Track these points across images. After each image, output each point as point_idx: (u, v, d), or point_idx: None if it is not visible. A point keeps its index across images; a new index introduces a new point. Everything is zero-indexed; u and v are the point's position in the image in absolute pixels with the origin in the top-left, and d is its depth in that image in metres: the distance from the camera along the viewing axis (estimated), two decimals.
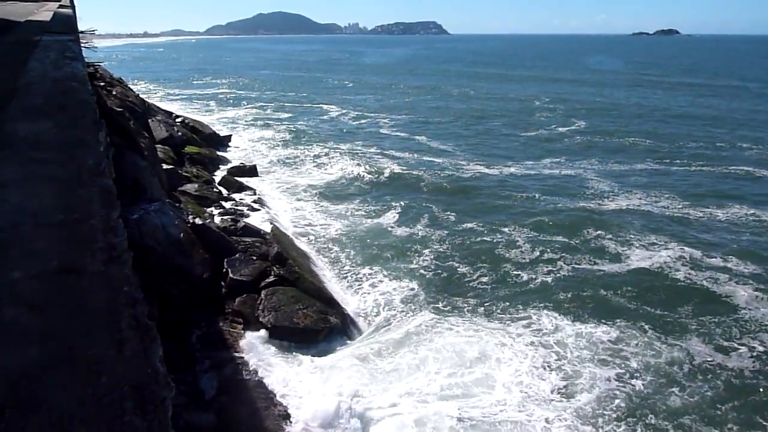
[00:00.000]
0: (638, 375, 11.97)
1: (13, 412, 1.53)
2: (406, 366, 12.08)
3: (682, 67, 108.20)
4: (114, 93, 23.46)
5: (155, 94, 60.45)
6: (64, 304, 2.03)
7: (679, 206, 22.97)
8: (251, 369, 11.51)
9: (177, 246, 13.87)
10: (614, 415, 10.79)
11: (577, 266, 17.20)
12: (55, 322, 1.93)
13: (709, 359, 12.58)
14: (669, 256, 17.89)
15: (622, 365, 12.27)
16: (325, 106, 53.21)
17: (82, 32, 19.05)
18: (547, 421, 10.54)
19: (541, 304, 14.83)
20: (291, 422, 10.06)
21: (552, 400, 11.19)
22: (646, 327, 13.81)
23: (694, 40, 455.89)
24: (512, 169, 29.36)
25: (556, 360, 12.43)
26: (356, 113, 49.03)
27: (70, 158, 3.50)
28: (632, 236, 19.43)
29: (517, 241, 19.07)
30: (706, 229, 20.34)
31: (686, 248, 18.40)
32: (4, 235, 2.50)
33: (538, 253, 18.02)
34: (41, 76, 6.13)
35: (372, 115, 47.98)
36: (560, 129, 40.51)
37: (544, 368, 12.14)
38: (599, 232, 19.80)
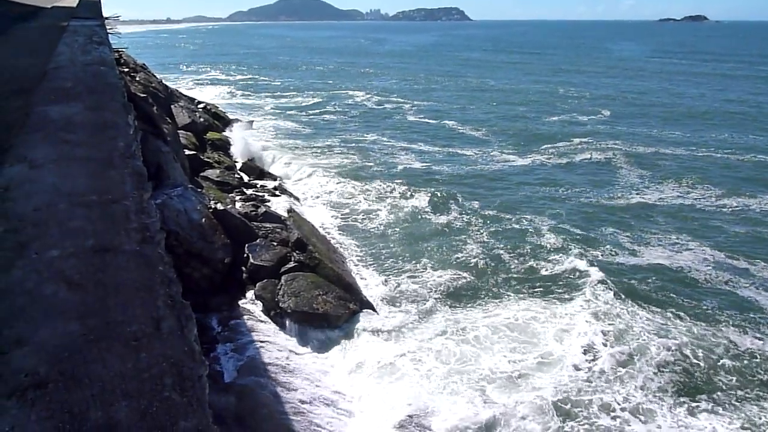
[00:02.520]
0: (690, 355, 12.15)
1: (57, 385, 1.56)
2: (428, 351, 12.12)
3: (711, 54, 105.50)
4: (137, 79, 23.68)
5: (178, 79, 60.89)
6: (102, 282, 2.06)
7: (712, 197, 22.60)
8: (272, 353, 11.64)
9: (199, 231, 14.01)
10: (674, 392, 11.05)
11: (612, 255, 17.05)
12: (93, 299, 1.96)
13: (754, 346, 12.63)
14: (701, 247, 17.70)
15: (672, 348, 12.38)
16: (349, 92, 53.12)
17: (106, 18, 19.23)
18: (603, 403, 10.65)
19: (582, 291, 14.82)
20: (312, 406, 10.17)
21: (611, 380, 11.37)
22: (688, 314, 13.86)
23: (722, 26, 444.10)
24: (540, 157, 28.97)
25: (603, 343, 12.55)
26: (381, 98, 48.89)
27: (102, 140, 3.55)
28: (664, 226, 19.23)
29: (550, 230, 18.85)
30: (738, 221, 20.01)
31: (720, 240, 18.26)
32: (40, 215, 2.55)
33: (572, 242, 17.83)
34: (70, 60, 6.21)
35: (397, 100, 47.79)
36: (586, 117, 39.87)
37: (592, 350, 12.30)
38: (632, 221, 19.62)
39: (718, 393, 11.12)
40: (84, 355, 1.71)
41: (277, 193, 20.80)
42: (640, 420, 10.38)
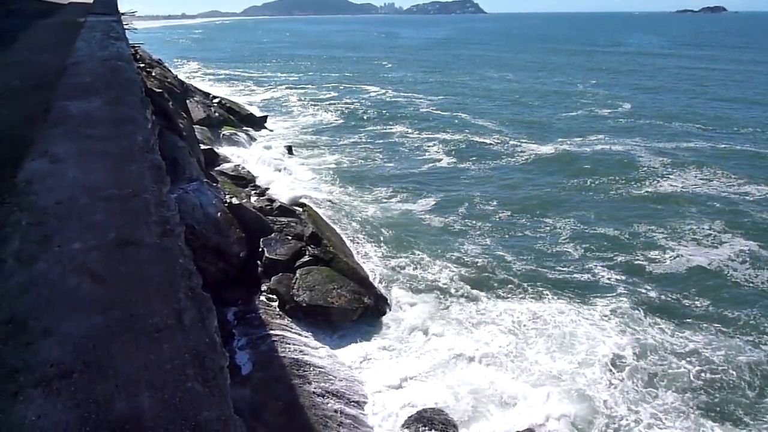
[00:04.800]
0: (719, 372, 11.54)
1: (82, 376, 1.59)
2: (443, 346, 12.10)
3: (730, 46, 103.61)
4: (153, 74, 23.87)
5: (194, 74, 61.29)
6: (124, 275, 2.09)
7: (739, 189, 22.25)
8: (287, 346, 11.69)
9: (214, 225, 14.11)
10: (699, 411, 10.54)
11: (632, 258, 16.50)
12: (116, 292, 2.00)
13: None
14: (728, 244, 17.29)
15: (700, 361, 11.81)
16: (364, 87, 53.03)
17: (122, 14, 19.38)
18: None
19: (592, 297, 14.37)
20: (326, 399, 10.23)
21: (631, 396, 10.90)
22: (718, 325, 13.18)
23: (741, 17, 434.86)
24: (560, 150, 28.62)
25: (625, 358, 11.99)
26: (395, 93, 48.76)
27: (121, 135, 3.60)
28: (687, 222, 18.86)
29: (566, 228, 18.55)
30: (761, 210, 19.69)
31: (745, 233, 17.88)
32: (62, 208, 2.59)
33: (585, 246, 17.38)
34: (88, 55, 6.28)
35: (411, 95, 47.59)
36: (605, 111, 39.24)
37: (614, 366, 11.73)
38: (651, 219, 19.21)
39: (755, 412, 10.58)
40: (108, 347, 1.74)
41: (292, 187, 20.88)
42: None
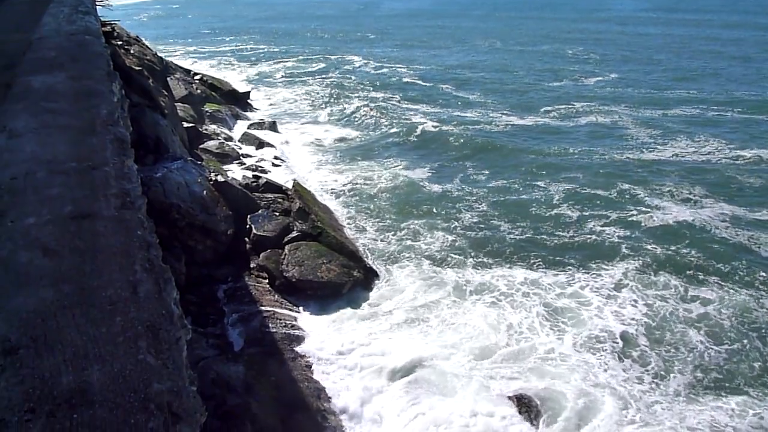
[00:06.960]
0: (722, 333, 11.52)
1: (27, 351, 1.52)
2: (434, 316, 12.16)
3: (716, 9, 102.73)
4: (132, 52, 23.34)
5: (173, 51, 59.99)
6: (78, 248, 2.01)
7: (725, 152, 22.25)
8: (278, 322, 11.72)
9: (200, 203, 13.98)
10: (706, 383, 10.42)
11: (622, 222, 16.51)
12: (69, 266, 1.92)
13: None
14: (719, 203, 17.41)
15: (701, 323, 11.81)
16: (347, 57, 52.14)
17: None
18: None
19: (591, 261, 14.38)
20: (317, 373, 10.29)
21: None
22: (717, 283, 13.20)
23: None
24: (544, 120, 28.30)
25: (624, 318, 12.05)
26: (379, 64, 47.95)
27: (84, 108, 3.47)
28: (676, 187, 18.83)
29: (556, 195, 18.44)
30: (753, 175, 19.76)
31: (739, 194, 18.07)
32: (17, 183, 2.49)
33: (579, 208, 17.36)
34: (55, 30, 6.06)
35: (395, 65, 46.83)
36: (592, 80, 38.73)
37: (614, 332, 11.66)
38: (641, 183, 19.12)
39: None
40: (57, 321, 1.67)
41: (277, 162, 20.70)
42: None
